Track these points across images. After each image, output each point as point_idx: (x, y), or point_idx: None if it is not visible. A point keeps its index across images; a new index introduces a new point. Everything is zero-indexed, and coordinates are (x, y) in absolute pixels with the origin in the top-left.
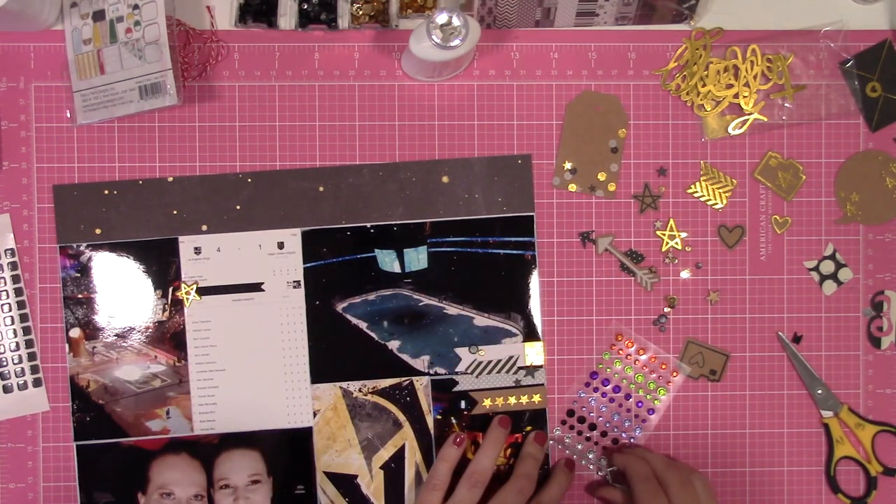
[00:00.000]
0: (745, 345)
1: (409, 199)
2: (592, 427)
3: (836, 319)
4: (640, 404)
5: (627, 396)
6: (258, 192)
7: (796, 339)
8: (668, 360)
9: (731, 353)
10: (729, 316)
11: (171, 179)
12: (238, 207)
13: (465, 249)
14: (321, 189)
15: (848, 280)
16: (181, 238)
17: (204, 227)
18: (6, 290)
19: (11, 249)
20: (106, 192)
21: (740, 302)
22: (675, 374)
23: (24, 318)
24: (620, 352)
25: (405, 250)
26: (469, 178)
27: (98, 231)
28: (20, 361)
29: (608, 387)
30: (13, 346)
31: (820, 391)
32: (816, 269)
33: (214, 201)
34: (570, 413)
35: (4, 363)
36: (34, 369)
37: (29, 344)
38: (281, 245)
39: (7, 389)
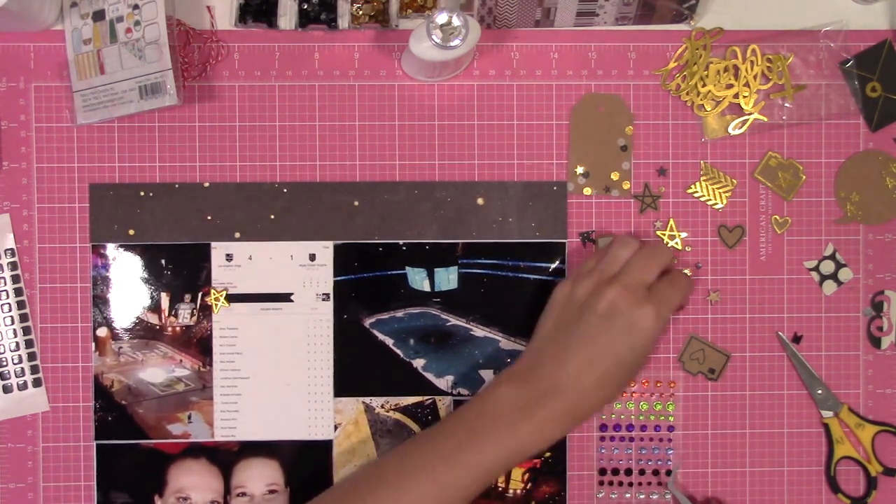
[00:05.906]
0: (745, 345)
1: (443, 219)
2: (629, 472)
3: (836, 319)
4: (657, 428)
5: (643, 428)
6: (293, 203)
7: (796, 339)
8: (662, 378)
9: (732, 353)
10: (729, 316)
11: (207, 185)
12: (272, 216)
13: (496, 272)
14: (356, 203)
15: (848, 280)
16: (213, 244)
17: (237, 235)
18: (6, 290)
19: (11, 249)
20: (142, 193)
21: (740, 302)
22: (672, 384)
23: (23, 318)
24: None
25: (436, 269)
26: (504, 201)
27: (131, 232)
28: (20, 361)
29: (620, 431)
30: (13, 346)
31: (820, 391)
32: (816, 269)
33: (249, 209)
34: (602, 471)
35: (4, 363)
36: (34, 369)
37: (29, 344)
38: (312, 257)
39: (7, 389)
